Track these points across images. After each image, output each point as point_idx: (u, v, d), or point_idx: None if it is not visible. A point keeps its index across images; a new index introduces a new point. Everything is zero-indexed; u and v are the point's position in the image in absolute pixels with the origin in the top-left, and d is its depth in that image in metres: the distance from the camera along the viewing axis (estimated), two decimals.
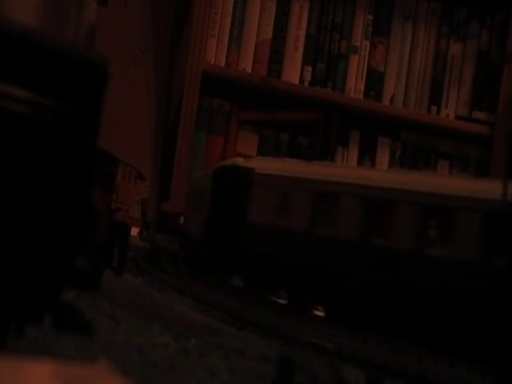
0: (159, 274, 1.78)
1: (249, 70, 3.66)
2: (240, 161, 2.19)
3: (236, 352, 1.24)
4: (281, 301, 1.83)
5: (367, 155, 3.63)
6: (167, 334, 1.24)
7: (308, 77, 3.71)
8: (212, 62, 3.63)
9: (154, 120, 3.47)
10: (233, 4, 3.73)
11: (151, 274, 1.73)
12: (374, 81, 3.72)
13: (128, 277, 1.63)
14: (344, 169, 2.45)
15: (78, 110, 1.02)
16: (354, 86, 3.71)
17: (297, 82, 3.69)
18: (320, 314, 1.76)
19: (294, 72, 3.71)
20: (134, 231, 2.25)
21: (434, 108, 3.69)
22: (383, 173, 2.45)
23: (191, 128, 3.48)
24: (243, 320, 1.47)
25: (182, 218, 2.44)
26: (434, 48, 3.76)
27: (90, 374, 0.78)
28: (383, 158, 3.63)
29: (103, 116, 1.03)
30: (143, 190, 2.14)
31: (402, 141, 3.68)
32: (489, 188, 1.52)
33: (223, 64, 3.64)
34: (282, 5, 3.75)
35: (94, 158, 1.05)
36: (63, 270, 0.97)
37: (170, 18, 3.75)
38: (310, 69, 3.72)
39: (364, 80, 3.72)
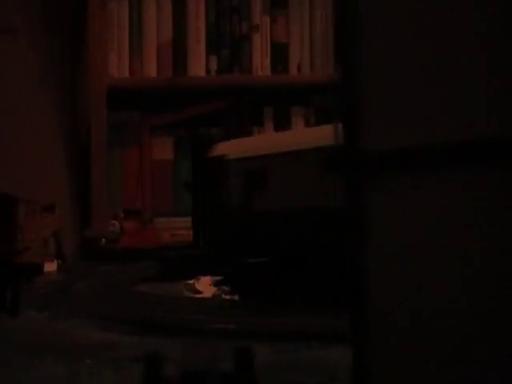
0: (68, 302, 1.78)
1: (154, 75, 3.66)
2: None
3: (130, 361, 1.25)
4: None
5: (282, 127, 3.65)
6: (60, 363, 1.25)
7: (214, 66, 3.72)
8: (116, 75, 3.62)
9: (63, 147, 3.46)
10: (128, 13, 3.71)
11: (60, 304, 1.73)
12: (279, 54, 3.74)
13: (33, 314, 1.64)
14: None
15: None
16: (261, 64, 3.72)
17: (203, 73, 3.69)
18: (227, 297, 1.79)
19: (199, 65, 3.71)
20: (52, 266, 2.25)
21: (340, 67, 3.70)
22: None
23: (104, 147, 3.48)
24: (146, 325, 1.49)
25: (104, 240, 2.42)
26: (332, 8, 3.77)
27: None
28: (298, 126, 3.66)
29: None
30: (52, 223, 2.14)
31: (315, 105, 3.70)
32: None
33: (127, 75, 3.64)
34: (177, 1, 3.75)
35: None
36: None
37: (67, 43, 3.72)
38: (214, 58, 3.73)
39: (269, 55, 3.73)
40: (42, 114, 3.39)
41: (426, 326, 0.96)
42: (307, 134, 1.77)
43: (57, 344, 1.37)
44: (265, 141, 1.92)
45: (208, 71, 3.70)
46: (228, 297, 1.77)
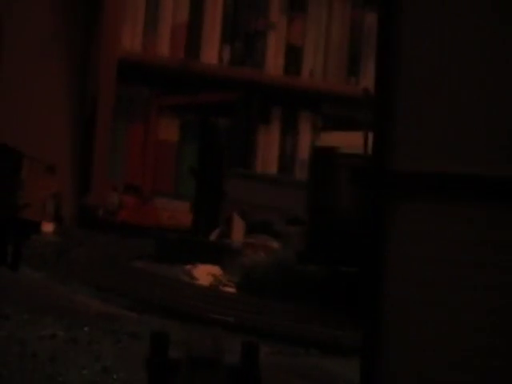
0: (66, 266, 1.76)
1: (166, 54, 3.63)
2: None
3: (130, 336, 1.24)
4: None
5: (289, 130, 3.63)
6: (58, 325, 1.23)
7: (227, 56, 3.70)
8: (128, 48, 3.59)
9: (68, 110, 3.42)
10: None
11: (57, 267, 1.71)
12: (293, 56, 3.72)
13: (30, 272, 1.62)
14: None
15: None
16: (274, 63, 3.70)
17: (216, 61, 3.67)
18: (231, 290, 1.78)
19: (212, 52, 3.68)
20: (49, 226, 2.21)
21: (353, 79, 3.70)
22: None
23: (109, 118, 3.44)
24: (145, 303, 1.47)
25: (102, 210, 2.39)
26: (349, 19, 3.76)
27: None
28: (305, 132, 3.64)
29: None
30: (52, 184, 2.11)
31: (323, 113, 3.69)
32: None
33: (140, 50, 3.60)
34: None
35: None
36: None
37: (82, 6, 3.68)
38: (228, 48, 3.70)
39: (283, 56, 3.71)
40: (52, 70, 3.34)
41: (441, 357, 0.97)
42: None
43: (56, 306, 1.35)
44: None
45: (221, 60, 3.68)
46: (226, 289, 1.76)
